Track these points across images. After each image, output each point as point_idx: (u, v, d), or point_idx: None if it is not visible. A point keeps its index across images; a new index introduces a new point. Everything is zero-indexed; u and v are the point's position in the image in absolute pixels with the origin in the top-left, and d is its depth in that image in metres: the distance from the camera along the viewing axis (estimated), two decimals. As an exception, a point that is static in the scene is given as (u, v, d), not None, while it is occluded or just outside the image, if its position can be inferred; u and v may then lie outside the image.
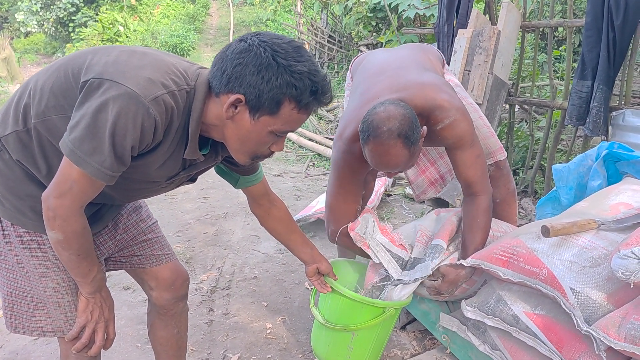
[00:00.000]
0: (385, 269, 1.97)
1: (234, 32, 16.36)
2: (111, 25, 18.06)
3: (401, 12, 5.04)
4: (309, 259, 1.84)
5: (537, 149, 3.66)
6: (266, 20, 12.00)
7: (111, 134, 1.13)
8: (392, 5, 5.30)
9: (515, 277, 1.80)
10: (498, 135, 3.84)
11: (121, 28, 17.95)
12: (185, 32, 14.79)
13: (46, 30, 23.37)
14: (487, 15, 3.62)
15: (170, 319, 1.78)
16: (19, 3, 24.07)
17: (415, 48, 2.29)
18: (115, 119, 1.12)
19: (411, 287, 1.92)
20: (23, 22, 24.04)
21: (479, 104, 3.27)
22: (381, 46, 6.99)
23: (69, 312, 1.45)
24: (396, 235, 2.01)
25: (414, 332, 2.35)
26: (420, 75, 1.99)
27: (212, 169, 1.60)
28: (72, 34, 20.67)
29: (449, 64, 3.53)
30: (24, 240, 1.38)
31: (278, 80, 1.15)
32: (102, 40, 17.80)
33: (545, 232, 1.74)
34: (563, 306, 1.63)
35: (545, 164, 3.56)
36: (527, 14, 3.65)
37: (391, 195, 4.01)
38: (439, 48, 3.90)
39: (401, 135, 1.67)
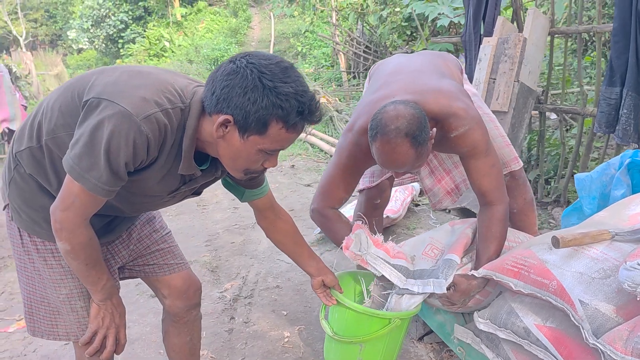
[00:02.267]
0: (389, 280, 1.96)
1: (274, 43, 16.61)
2: (157, 41, 18.68)
3: (432, 20, 5.02)
4: (314, 272, 1.86)
5: (570, 158, 3.57)
6: (305, 32, 12.11)
7: (106, 151, 1.19)
8: (424, 15, 5.28)
9: (526, 289, 1.77)
10: (528, 144, 3.78)
11: (167, 43, 18.55)
12: (227, 46, 15.12)
13: (97, 46, 24.37)
14: (515, 23, 3.57)
15: (184, 326, 1.83)
16: (71, 21, 25.28)
17: (434, 54, 2.30)
18: (110, 137, 1.18)
19: (419, 297, 1.92)
20: (75, 40, 25.22)
21: (504, 112, 3.23)
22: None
23: (81, 317, 1.52)
24: (389, 245, 2.00)
25: (431, 343, 2.34)
26: (437, 81, 1.99)
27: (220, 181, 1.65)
28: (121, 50, 21.45)
29: (474, 72, 3.51)
30: (39, 249, 1.47)
31: (264, 101, 1.19)
32: (149, 56, 18.43)
33: (556, 243, 1.71)
34: (572, 318, 1.60)
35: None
36: (562, 20, 3.58)
37: (419, 205, 3.99)
38: (466, 56, 3.87)
39: (409, 135, 1.66)
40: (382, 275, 1.97)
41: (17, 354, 2.51)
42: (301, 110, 1.23)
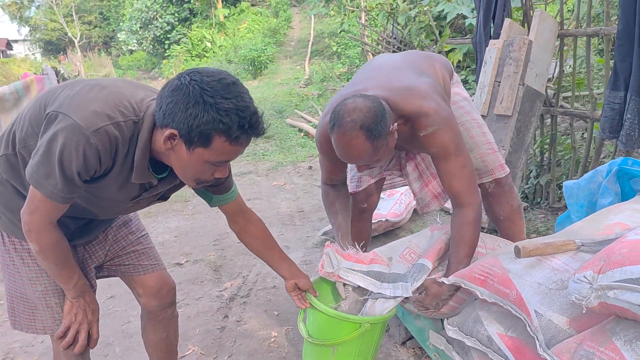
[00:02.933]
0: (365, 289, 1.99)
1: (312, 43, 16.70)
2: (200, 42, 19.12)
3: (449, 21, 4.96)
4: (287, 275, 1.90)
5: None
6: (340, 32, 12.13)
7: (59, 161, 1.29)
8: (442, 14, 5.23)
9: (490, 298, 1.77)
10: (539, 148, 3.70)
11: (209, 44, 18.96)
12: (264, 46, 15.32)
13: (145, 48, 25.14)
14: (526, 25, 3.50)
15: (159, 323, 1.92)
16: (121, 23, 26.19)
17: (421, 54, 2.30)
18: (62, 148, 1.28)
19: (392, 302, 1.94)
20: (125, 41, 26.14)
21: (508, 117, 3.19)
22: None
23: (56, 313, 1.63)
24: (362, 255, 2.03)
25: (413, 348, 2.35)
26: (413, 79, 2.00)
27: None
28: (167, 51, 22.03)
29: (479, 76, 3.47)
30: (17, 248, 1.59)
31: (204, 116, 1.26)
32: (191, 57, 18.89)
33: (517, 252, 1.70)
34: (528, 329, 1.60)
35: (588, 178, 3.37)
36: (575, 19, 3.49)
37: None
38: (476, 59, 3.83)
39: (363, 128, 1.69)
40: (359, 286, 2.02)
41: (27, 344, 2.68)
42: (242, 125, 1.29)
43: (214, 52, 18.59)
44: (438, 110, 1.87)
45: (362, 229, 2.50)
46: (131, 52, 28.58)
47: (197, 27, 21.36)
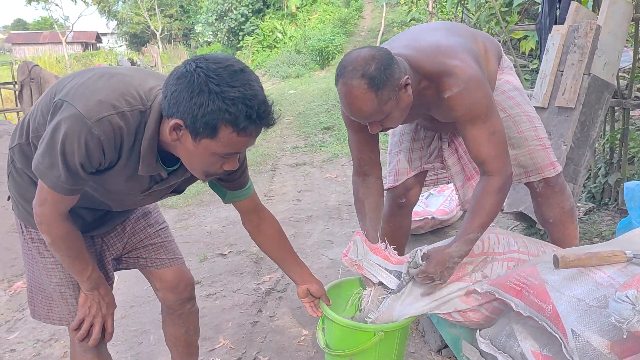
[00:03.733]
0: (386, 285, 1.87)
1: (383, 33, 16.41)
2: (271, 33, 19.32)
3: (519, 5, 4.64)
4: (298, 279, 1.83)
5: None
6: (410, 20, 11.80)
7: (62, 152, 1.25)
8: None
9: (525, 311, 1.60)
10: (609, 143, 3.38)
11: (279, 35, 19.12)
12: (332, 36, 15.22)
13: (219, 39, 25.77)
14: (597, 9, 3.19)
15: (178, 318, 1.89)
16: (198, 16, 27.00)
17: (468, 29, 2.10)
18: (64, 138, 1.24)
19: (412, 310, 1.80)
20: (201, 33, 26.92)
21: (570, 109, 2.92)
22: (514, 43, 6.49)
23: (70, 305, 1.62)
24: (390, 252, 1.90)
25: (449, 357, 2.20)
26: (442, 38, 1.83)
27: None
28: (240, 42, 22.46)
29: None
30: (33, 238, 1.59)
31: (209, 106, 1.18)
32: (262, 47, 19.15)
33: (556, 262, 1.53)
34: (564, 349, 1.42)
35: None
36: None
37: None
38: (540, 45, 3.54)
39: (365, 76, 1.55)
40: (380, 282, 1.90)
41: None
42: (249, 115, 1.20)
43: (284, 43, 18.72)
44: (464, 68, 1.69)
45: (400, 226, 2.36)
46: (208, 43, 29.40)
47: (270, 18, 21.60)
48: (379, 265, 1.89)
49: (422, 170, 2.29)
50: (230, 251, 3.47)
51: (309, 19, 21.39)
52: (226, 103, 1.18)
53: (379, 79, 1.56)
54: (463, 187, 2.32)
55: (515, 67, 2.90)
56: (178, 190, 1.64)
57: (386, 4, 16.59)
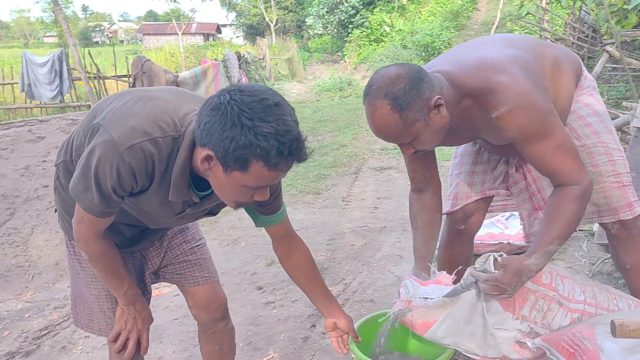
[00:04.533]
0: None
1: (497, 26, 15.63)
2: (379, 26, 19.11)
3: (633, 8, 4.10)
4: (325, 312, 1.77)
5: None
6: (526, 15, 11.11)
7: (95, 176, 1.29)
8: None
9: (575, 377, 1.40)
10: None
11: (387, 28, 18.85)
12: (440, 31, 14.71)
13: (329, 31, 26.02)
14: None
15: (211, 336, 1.90)
16: (310, 8, 27.39)
17: (533, 40, 1.89)
18: (97, 164, 1.27)
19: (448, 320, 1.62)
20: (311, 26, 27.36)
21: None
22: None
23: (108, 317, 1.69)
24: (444, 275, 1.73)
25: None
26: (490, 52, 1.66)
27: None
28: (349, 35, 22.50)
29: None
30: (76, 252, 1.67)
31: (241, 140, 1.16)
32: (369, 41, 19.01)
33: (613, 329, 1.31)
34: None
35: None
36: None
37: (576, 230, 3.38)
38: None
39: (388, 96, 1.47)
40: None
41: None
42: (281, 151, 1.18)
43: (391, 37, 18.44)
44: (509, 85, 1.52)
45: (459, 255, 2.18)
46: (320, 35, 29.82)
47: (379, 11, 21.38)
48: (430, 297, 1.74)
49: (484, 196, 2.10)
50: (297, 258, 3.45)
51: (419, 12, 20.88)
52: (258, 138, 1.16)
53: (403, 100, 1.46)
54: (529, 218, 2.10)
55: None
56: (213, 212, 1.63)
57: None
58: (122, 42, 61.13)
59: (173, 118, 1.31)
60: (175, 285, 1.87)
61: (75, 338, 2.90)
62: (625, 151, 1.96)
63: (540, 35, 8.01)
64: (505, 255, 1.57)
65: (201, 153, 1.24)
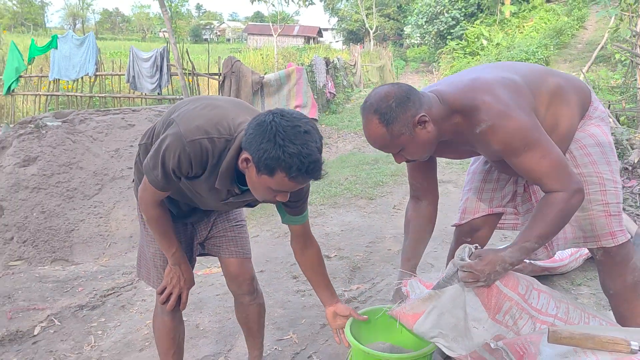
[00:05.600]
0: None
1: (602, 46, 14.89)
2: (476, 39, 18.81)
3: None
4: (326, 300, 2.02)
5: None
6: (632, 36, 10.58)
7: (162, 158, 1.68)
8: None
9: (518, 377, 1.56)
10: None
11: (484, 42, 18.51)
12: (536, 48, 14.25)
13: (427, 42, 25.91)
14: None
15: (240, 306, 2.22)
16: (409, 17, 27.47)
17: (539, 68, 2.03)
18: (165, 149, 1.66)
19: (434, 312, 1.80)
20: (409, 35, 27.40)
21: None
22: None
23: (159, 273, 2.07)
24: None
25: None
26: (484, 75, 1.84)
27: None
28: (446, 47, 22.34)
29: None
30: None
31: (272, 153, 1.50)
32: (464, 54, 18.78)
33: (548, 335, 1.47)
34: None
35: None
36: None
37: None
38: None
39: (377, 112, 1.70)
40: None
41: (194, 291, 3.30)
42: (300, 168, 1.50)
43: (488, 51, 18.09)
44: (490, 103, 1.69)
45: None
46: (419, 45, 29.74)
47: (481, 23, 21.01)
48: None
49: (492, 213, 2.25)
50: (335, 255, 3.72)
51: (522, 27, 20.29)
52: (285, 155, 1.48)
53: (389, 115, 1.69)
54: None
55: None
56: (251, 205, 1.98)
57: (615, 15, 14.99)
58: (228, 40, 64.23)
59: (230, 124, 1.67)
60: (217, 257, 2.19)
61: (134, 300, 3.36)
62: None
63: (631, 61, 7.68)
64: (480, 248, 1.78)
65: (243, 155, 1.58)
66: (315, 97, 10.31)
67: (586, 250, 3.19)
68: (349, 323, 1.98)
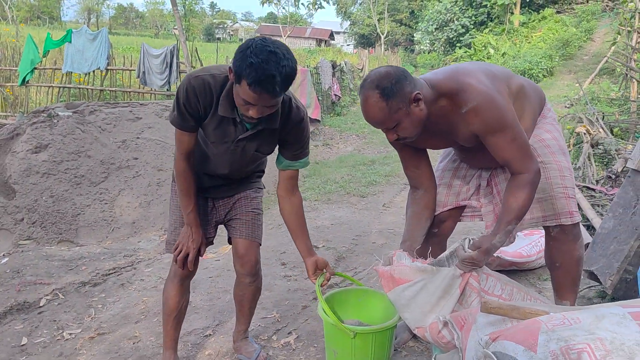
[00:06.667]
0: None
1: (606, 59, 15.03)
2: (483, 48, 19.00)
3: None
4: (306, 254, 2.18)
5: None
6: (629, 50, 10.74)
7: (176, 97, 1.97)
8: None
9: (458, 344, 1.81)
10: None
11: (492, 50, 18.70)
12: (539, 59, 14.43)
13: (436, 48, 26.08)
14: None
15: (239, 285, 2.40)
16: (419, 23, 27.68)
17: (507, 71, 2.28)
18: (178, 90, 1.97)
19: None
20: (418, 41, 27.59)
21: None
22: None
23: (174, 239, 2.27)
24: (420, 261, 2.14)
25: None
26: (466, 65, 2.09)
27: None
28: (452, 54, 22.51)
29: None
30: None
31: (238, 63, 1.74)
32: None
33: (480, 305, 1.70)
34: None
35: None
36: None
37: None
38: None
39: (379, 87, 1.87)
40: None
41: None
42: (255, 79, 1.71)
43: (494, 60, 18.27)
44: (476, 85, 1.93)
45: (432, 253, 2.56)
46: (428, 51, 29.93)
47: (489, 32, 21.18)
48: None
49: (457, 206, 2.48)
50: (323, 245, 3.96)
51: (530, 37, 20.45)
52: (246, 64, 1.70)
53: (390, 90, 1.87)
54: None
55: None
56: (263, 151, 2.15)
57: (614, 29, 15.12)
58: (241, 40, 64.65)
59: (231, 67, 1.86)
60: (229, 239, 2.38)
61: (133, 279, 3.61)
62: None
63: (626, 75, 7.86)
64: (475, 238, 2.03)
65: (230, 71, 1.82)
66: (320, 98, 10.57)
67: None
68: (318, 282, 2.17)
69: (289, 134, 2.08)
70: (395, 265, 2.10)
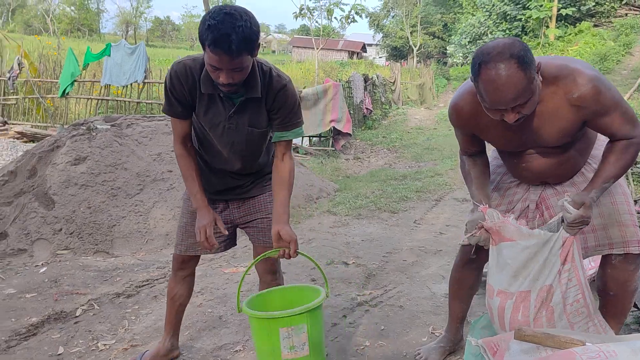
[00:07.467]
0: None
1: (647, 74, 14.66)
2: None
3: None
4: (277, 219, 2.17)
5: None
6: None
7: (164, 86, 2.14)
8: None
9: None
10: None
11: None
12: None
13: (469, 61, 25.86)
14: None
15: (263, 283, 2.50)
16: (452, 37, 27.54)
17: None
18: (165, 77, 2.15)
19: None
20: (451, 54, 27.45)
21: None
22: None
23: (181, 239, 2.44)
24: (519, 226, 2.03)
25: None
26: (564, 57, 2.04)
27: None
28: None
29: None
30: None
31: (200, 28, 1.86)
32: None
33: (515, 333, 1.68)
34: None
35: None
36: None
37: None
38: None
39: (514, 56, 1.67)
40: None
41: (220, 286, 3.59)
42: (212, 40, 1.81)
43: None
44: (584, 70, 1.84)
45: (467, 278, 2.48)
46: (463, 64, 29.74)
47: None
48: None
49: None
50: (353, 262, 3.95)
51: (567, 51, 20.11)
52: (204, 27, 1.83)
53: (527, 58, 1.70)
54: None
55: None
56: (256, 125, 2.19)
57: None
58: (274, 52, 65.44)
59: None
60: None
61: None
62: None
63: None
64: (568, 199, 1.88)
65: None
66: (352, 112, 10.60)
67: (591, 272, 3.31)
68: (256, 260, 2.24)
69: (274, 102, 2.14)
70: (501, 222, 2.00)
